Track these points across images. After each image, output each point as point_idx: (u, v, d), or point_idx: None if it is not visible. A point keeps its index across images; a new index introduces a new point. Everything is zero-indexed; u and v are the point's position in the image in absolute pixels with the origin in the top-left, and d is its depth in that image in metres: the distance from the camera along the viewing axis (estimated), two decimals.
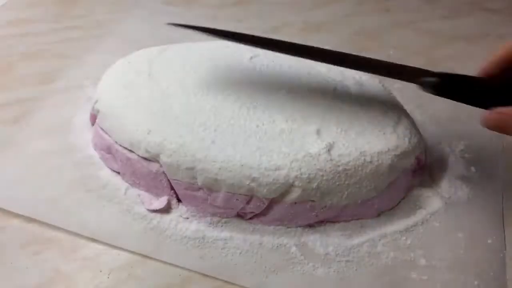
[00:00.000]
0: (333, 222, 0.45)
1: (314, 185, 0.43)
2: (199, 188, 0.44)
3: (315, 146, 0.44)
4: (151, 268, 0.42)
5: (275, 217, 0.44)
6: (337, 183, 0.43)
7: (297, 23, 0.72)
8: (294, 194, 0.43)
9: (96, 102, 0.50)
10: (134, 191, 0.47)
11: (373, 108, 0.49)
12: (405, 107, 0.51)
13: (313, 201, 0.44)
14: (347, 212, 0.45)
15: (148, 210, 0.45)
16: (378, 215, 0.46)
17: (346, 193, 0.44)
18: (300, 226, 0.45)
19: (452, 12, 0.71)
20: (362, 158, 0.44)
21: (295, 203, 0.43)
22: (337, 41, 0.68)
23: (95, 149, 0.50)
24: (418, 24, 0.70)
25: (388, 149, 0.45)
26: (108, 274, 0.41)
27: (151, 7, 0.72)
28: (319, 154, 0.44)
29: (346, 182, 0.43)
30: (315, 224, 0.45)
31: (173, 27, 0.68)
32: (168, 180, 0.45)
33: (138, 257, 0.43)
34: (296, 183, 0.43)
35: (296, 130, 0.46)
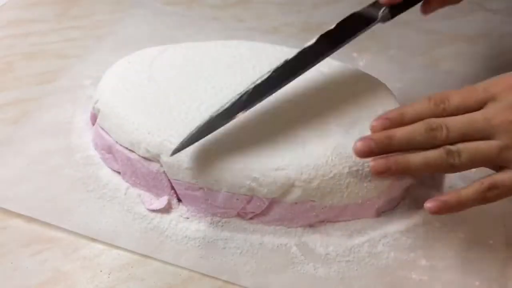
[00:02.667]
0: (334, 222, 0.45)
1: (315, 185, 0.43)
2: (200, 188, 0.44)
3: (316, 146, 0.44)
4: (151, 268, 0.42)
5: (276, 217, 0.44)
6: (338, 183, 0.43)
7: (297, 23, 0.72)
8: (295, 194, 0.43)
9: (96, 102, 0.50)
10: (135, 191, 0.47)
11: (373, 108, 0.49)
12: None
13: (313, 201, 0.43)
14: (347, 212, 0.45)
15: (148, 210, 0.45)
16: (379, 215, 0.46)
17: (346, 193, 0.44)
18: (300, 226, 0.45)
19: (452, 12, 0.71)
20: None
21: (296, 203, 0.43)
22: None
23: (95, 149, 0.50)
24: (418, 24, 0.70)
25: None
26: (108, 274, 0.41)
27: (151, 7, 0.72)
28: (320, 154, 0.43)
29: (347, 182, 0.43)
30: (316, 224, 0.45)
31: (173, 27, 0.68)
32: (169, 180, 0.45)
33: (138, 257, 0.43)
34: (297, 183, 0.43)
35: (297, 130, 0.46)
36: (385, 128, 0.40)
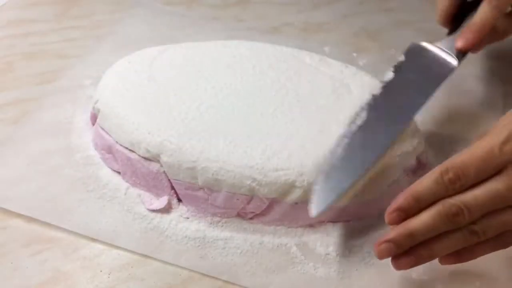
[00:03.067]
0: (334, 222, 0.45)
1: None
2: (200, 188, 0.44)
3: (316, 146, 0.44)
4: (151, 268, 0.42)
5: (276, 217, 0.44)
6: None
7: (297, 23, 0.72)
8: (295, 194, 0.43)
9: (96, 101, 0.50)
10: (135, 191, 0.47)
11: None
12: None
13: None
14: (348, 212, 0.45)
15: (148, 210, 0.45)
16: (379, 215, 0.46)
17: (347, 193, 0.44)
18: (300, 226, 0.45)
19: None
20: None
21: (296, 203, 0.43)
22: (337, 41, 0.68)
23: (95, 149, 0.50)
24: (418, 24, 0.70)
25: (389, 150, 0.45)
26: (108, 274, 0.41)
27: (151, 7, 0.72)
28: (320, 154, 0.43)
29: None
30: (316, 224, 0.45)
31: (173, 27, 0.68)
32: (169, 180, 0.45)
33: (138, 257, 0.43)
34: (297, 183, 0.43)
35: (297, 130, 0.46)
36: (402, 221, 0.38)
